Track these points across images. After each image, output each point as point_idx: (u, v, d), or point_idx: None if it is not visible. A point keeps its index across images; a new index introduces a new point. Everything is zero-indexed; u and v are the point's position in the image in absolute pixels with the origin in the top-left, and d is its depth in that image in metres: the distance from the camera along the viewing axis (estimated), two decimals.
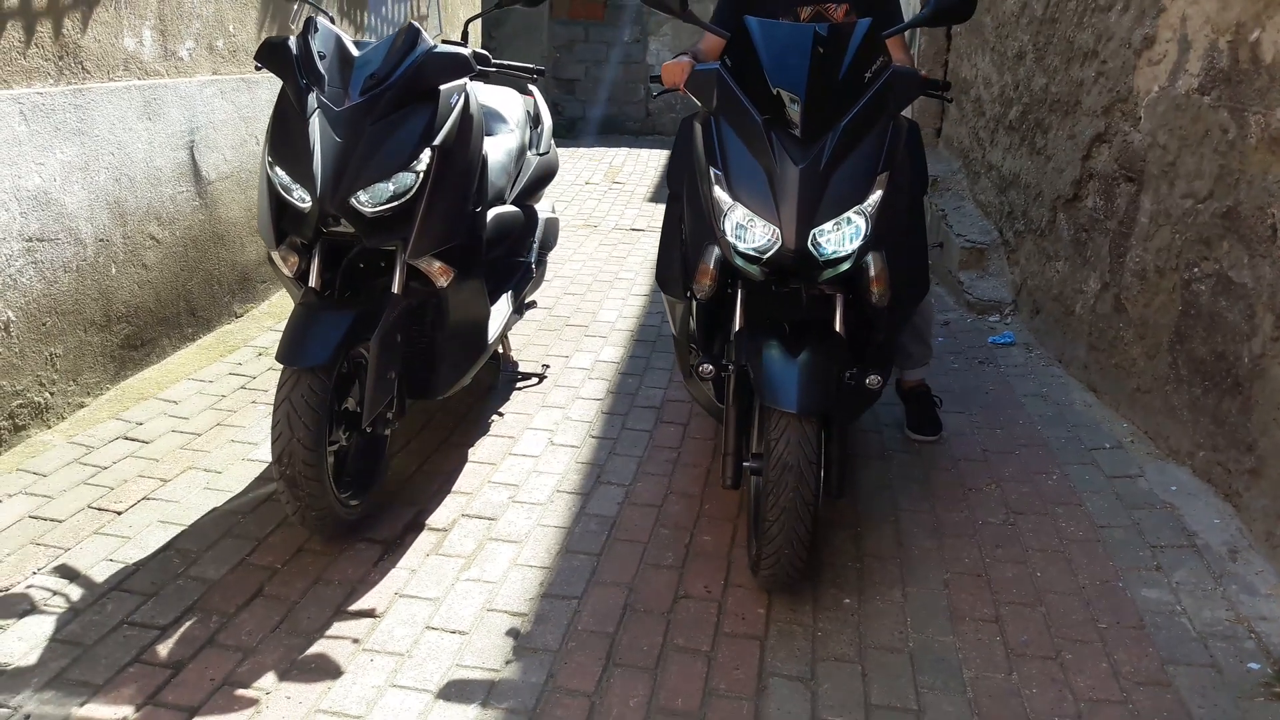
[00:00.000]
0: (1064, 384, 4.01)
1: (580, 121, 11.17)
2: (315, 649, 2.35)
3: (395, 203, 2.66)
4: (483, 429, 3.53)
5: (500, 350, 3.88)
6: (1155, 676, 2.33)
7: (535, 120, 3.95)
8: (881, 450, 3.47)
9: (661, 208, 7.11)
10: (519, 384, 3.90)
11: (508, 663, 2.33)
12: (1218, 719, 2.19)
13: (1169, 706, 2.23)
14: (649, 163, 8.83)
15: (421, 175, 2.69)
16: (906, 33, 3.05)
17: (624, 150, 9.46)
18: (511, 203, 3.57)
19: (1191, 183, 3.27)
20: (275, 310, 4.65)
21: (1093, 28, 4.10)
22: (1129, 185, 3.71)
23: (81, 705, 2.14)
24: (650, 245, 6.18)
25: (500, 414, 3.65)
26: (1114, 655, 2.40)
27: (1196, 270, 3.22)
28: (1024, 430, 3.61)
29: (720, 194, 2.51)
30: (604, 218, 6.91)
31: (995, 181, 5.34)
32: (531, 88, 4.03)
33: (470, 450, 3.37)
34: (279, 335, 4.28)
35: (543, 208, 3.95)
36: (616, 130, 11.05)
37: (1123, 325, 3.69)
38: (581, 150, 9.41)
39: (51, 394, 3.36)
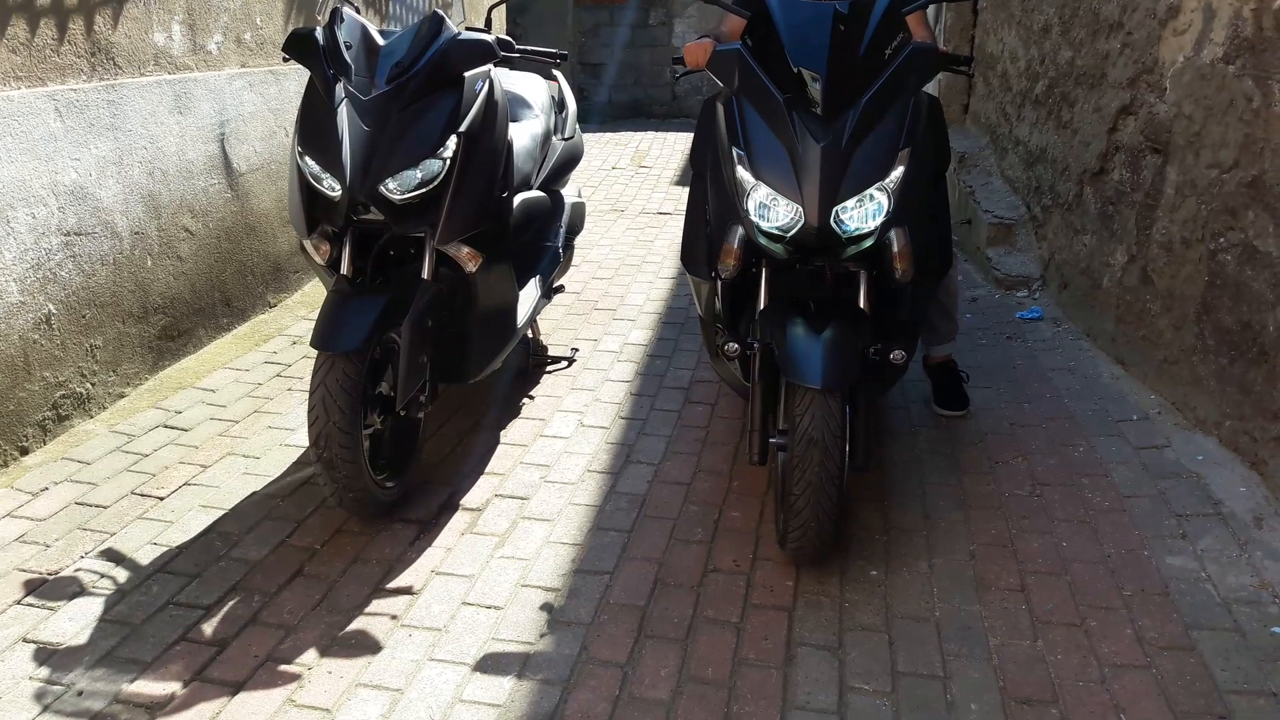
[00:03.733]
0: (1092, 357, 4.00)
1: (606, 106, 11.19)
2: (355, 625, 2.42)
3: (423, 189, 2.71)
4: (514, 411, 3.59)
5: (530, 334, 3.93)
6: (1179, 641, 2.35)
7: (560, 105, 3.98)
8: (909, 425, 3.49)
9: (688, 191, 7.16)
10: (548, 367, 3.96)
11: (542, 636, 2.38)
12: (1240, 682, 2.21)
13: (1192, 670, 2.25)
14: (675, 146, 8.84)
15: (448, 162, 2.74)
16: (930, 9, 3.06)
17: (650, 134, 9.47)
18: (538, 188, 3.61)
19: (1217, 152, 3.26)
20: (308, 299, 4.73)
21: None
22: (1155, 157, 3.70)
23: (131, 682, 2.22)
24: (678, 229, 6.20)
25: (531, 397, 3.71)
26: (1138, 621, 2.42)
27: (1222, 240, 3.21)
28: (1051, 404, 3.62)
29: (743, 174, 2.54)
30: (631, 202, 6.94)
31: (1022, 156, 5.32)
32: (555, 73, 4.07)
33: (502, 432, 3.43)
34: (312, 324, 4.38)
35: (569, 192, 3.99)
36: (642, 114, 11.06)
37: (1150, 297, 3.68)
38: (607, 135, 9.44)
39: (92, 384, 3.45)
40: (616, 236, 6.05)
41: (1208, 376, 3.27)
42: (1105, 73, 4.18)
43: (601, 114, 11.03)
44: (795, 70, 2.54)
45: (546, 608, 2.49)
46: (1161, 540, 2.75)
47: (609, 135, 9.43)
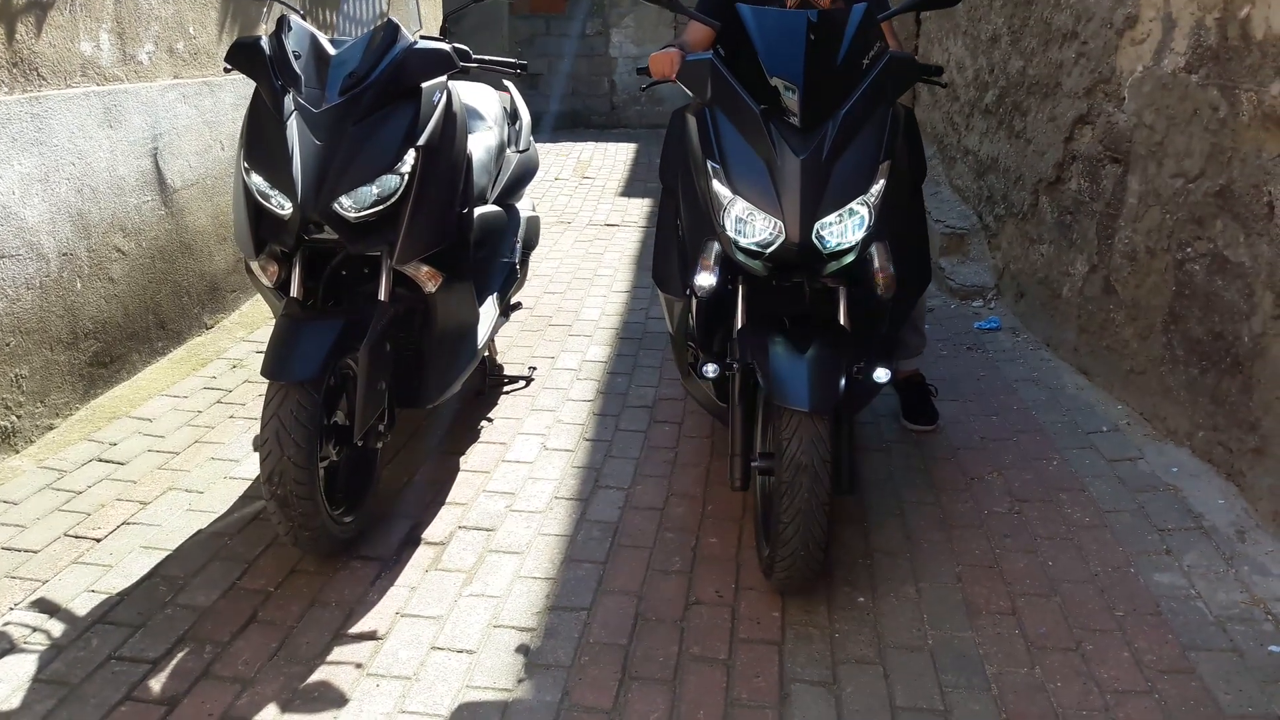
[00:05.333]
0: (1054, 367, 3.98)
1: (544, 116, 11.02)
2: (317, 676, 2.25)
3: (380, 207, 2.56)
4: (473, 436, 3.43)
5: (486, 354, 3.77)
6: (1178, 664, 2.29)
7: (513, 116, 3.85)
8: (880, 441, 3.42)
9: (634, 202, 7.06)
10: (506, 388, 3.81)
11: (520, 681, 2.24)
12: (1245, 705, 2.16)
13: (1195, 695, 2.19)
14: (617, 157, 8.73)
15: (406, 177, 2.59)
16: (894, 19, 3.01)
17: (591, 144, 9.34)
18: (493, 202, 3.47)
19: (1181, 162, 3.25)
20: (246, 320, 4.52)
21: (1071, 9, 4.06)
22: (1115, 166, 3.68)
23: None
24: (627, 240, 6.10)
25: (489, 419, 3.55)
26: (1134, 644, 2.36)
27: (1190, 250, 3.19)
28: (1019, 416, 3.58)
29: (719, 188, 2.43)
30: (577, 213, 6.81)
31: (972, 166, 5.32)
32: (507, 84, 3.94)
33: (461, 458, 3.27)
34: (251, 346, 4.19)
35: (523, 206, 3.85)
36: (581, 124, 10.92)
37: (1113, 307, 3.66)
38: (547, 145, 9.27)
39: (18, 417, 3.22)
40: (565, 249, 5.91)
41: (1177, 387, 3.25)
42: (1059, 82, 4.17)
43: (540, 124, 10.83)
44: (771, 81, 2.44)
45: (522, 650, 2.35)
46: (1147, 556, 2.70)
47: (549, 146, 9.27)
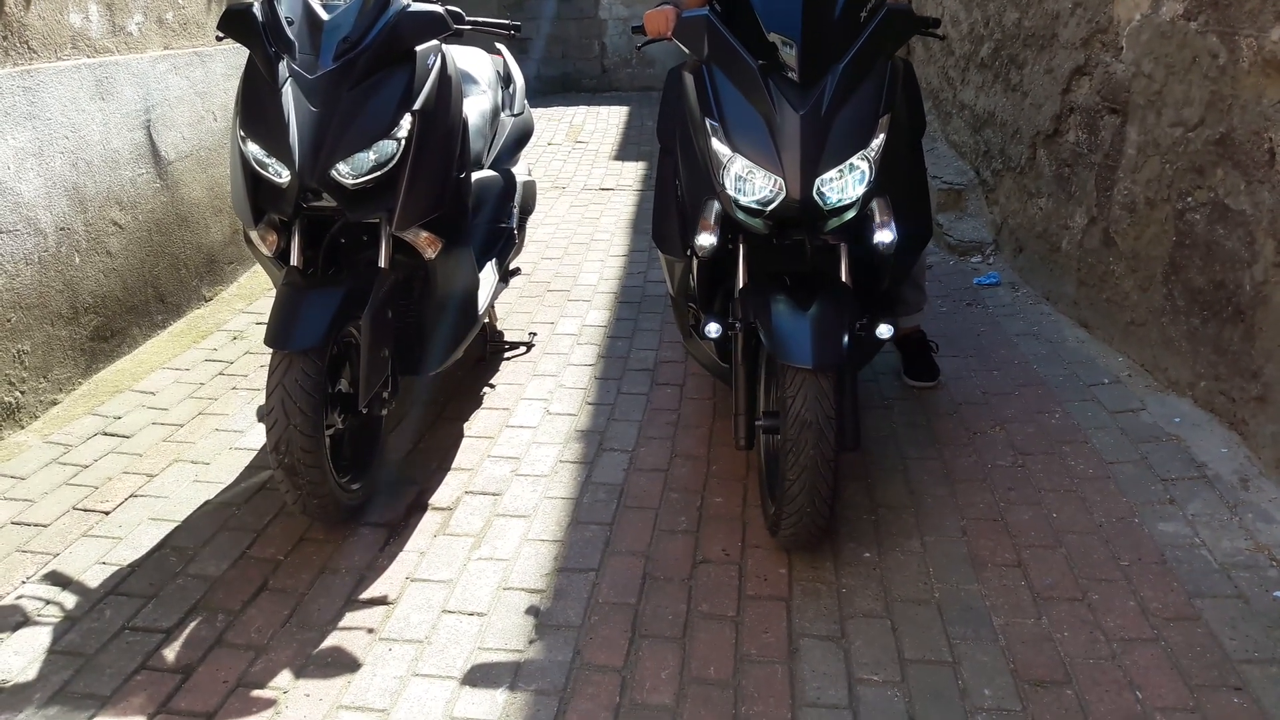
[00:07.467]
0: (1054, 321, 3.98)
1: (534, 80, 10.93)
2: (329, 642, 2.27)
3: (378, 172, 2.55)
4: (475, 402, 3.43)
5: (487, 320, 3.77)
6: (1183, 611, 2.31)
7: (506, 80, 3.82)
8: (881, 398, 3.42)
9: (628, 165, 7.02)
10: (507, 354, 3.81)
11: (531, 642, 2.26)
12: (1251, 650, 2.18)
13: (1201, 641, 2.21)
14: (609, 120, 8.68)
15: (403, 142, 2.58)
16: None
17: (583, 108, 9.28)
18: (489, 167, 3.45)
19: (1180, 111, 3.23)
20: (244, 292, 4.50)
21: None
22: (1113, 117, 3.66)
23: (91, 718, 2.04)
24: (622, 204, 6.08)
25: (491, 385, 3.56)
26: (1140, 592, 2.38)
27: (1190, 199, 3.18)
28: (1020, 370, 3.58)
29: (718, 146, 2.42)
30: (571, 178, 6.78)
31: (968, 121, 5.28)
32: (500, 46, 3.90)
33: (465, 425, 3.27)
34: (251, 318, 4.18)
35: (519, 170, 3.83)
36: (572, 88, 10.83)
37: (1113, 259, 3.66)
38: (539, 110, 9.18)
39: (22, 393, 3.22)
40: (561, 214, 5.89)
41: (1178, 337, 3.25)
42: (1056, 33, 4.14)
43: (530, 89, 10.76)
44: (768, 36, 2.42)
45: (533, 611, 2.36)
46: (1151, 506, 2.71)
47: (540, 110, 9.20)
